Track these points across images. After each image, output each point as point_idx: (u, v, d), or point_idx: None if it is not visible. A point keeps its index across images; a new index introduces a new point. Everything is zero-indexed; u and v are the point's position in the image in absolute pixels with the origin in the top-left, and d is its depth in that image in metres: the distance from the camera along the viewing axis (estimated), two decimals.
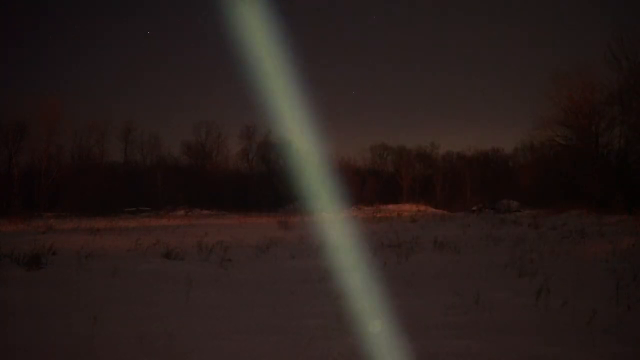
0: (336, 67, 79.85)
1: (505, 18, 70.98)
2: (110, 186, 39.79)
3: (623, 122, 28.50)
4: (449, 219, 25.77)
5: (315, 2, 76.42)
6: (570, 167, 30.36)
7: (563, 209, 26.21)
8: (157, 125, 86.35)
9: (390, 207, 40.45)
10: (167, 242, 10.77)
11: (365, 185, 48.70)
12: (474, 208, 38.06)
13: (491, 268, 7.53)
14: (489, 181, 48.98)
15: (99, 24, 75.17)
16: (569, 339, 3.94)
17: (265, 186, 45.29)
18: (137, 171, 47.31)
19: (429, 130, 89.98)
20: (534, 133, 31.93)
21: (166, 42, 73.06)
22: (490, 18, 73.43)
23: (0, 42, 65.03)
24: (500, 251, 9.84)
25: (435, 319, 4.65)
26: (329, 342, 3.86)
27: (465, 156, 54.51)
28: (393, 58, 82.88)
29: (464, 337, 3.99)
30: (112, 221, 23.79)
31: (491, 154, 55.23)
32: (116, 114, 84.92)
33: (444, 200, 47.86)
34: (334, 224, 21.90)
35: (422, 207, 40.57)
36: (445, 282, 6.58)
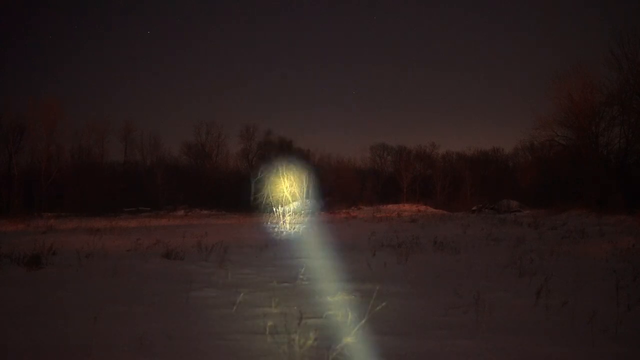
0: (336, 67, 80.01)
1: (506, 18, 71.05)
2: (110, 186, 39.75)
3: (623, 122, 28.47)
4: (449, 218, 25.76)
5: (317, 2, 76.55)
6: (570, 167, 30.34)
7: (563, 209, 26.21)
8: (157, 125, 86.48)
9: (390, 207, 40.39)
10: (167, 242, 10.77)
11: (365, 186, 48.67)
12: (474, 208, 37.98)
13: (491, 268, 7.54)
14: (489, 181, 48.91)
15: (98, 23, 75.18)
16: (569, 339, 3.95)
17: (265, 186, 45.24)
18: (137, 171, 47.23)
19: (429, 130, 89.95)
20: (534, 133, 31.87)
21: (166, 42, 73.12)
22: (490, 18, 73.53)
23: (0, 43, 64.94)
24: (500, 251, 9.84)
25: (435, 318, 4.65)
26: (329, 342, 3.86)
27: (465, 156, 54.51)
28: (393, 58, 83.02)
29: (464, 337, 3.99)
30: (112, 221, 23.78)
31: (491, 154, 55.25)
32: (116, 114, 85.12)
33: (444, 200, 47.82)
34: (334, 223, 21.93)
35: (422, 207, 40.54)
36: (445, 282, 6.57)
